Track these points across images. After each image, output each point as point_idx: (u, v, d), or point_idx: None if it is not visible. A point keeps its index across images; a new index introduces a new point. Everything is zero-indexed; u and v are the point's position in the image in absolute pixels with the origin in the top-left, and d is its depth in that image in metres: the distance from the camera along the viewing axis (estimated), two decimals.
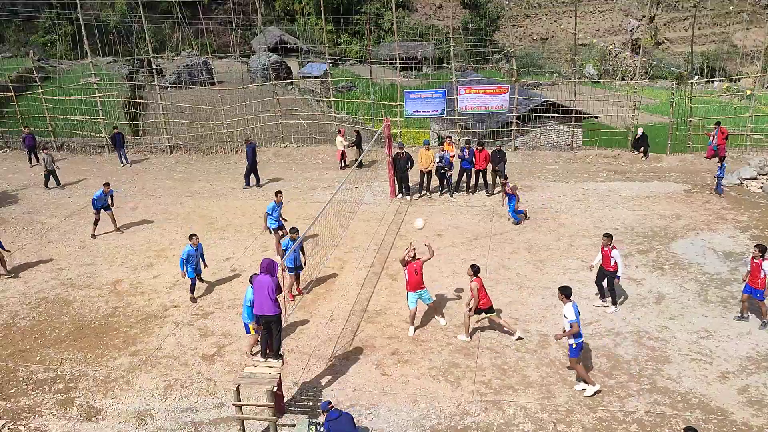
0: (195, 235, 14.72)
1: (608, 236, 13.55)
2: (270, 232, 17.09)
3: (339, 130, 25.08)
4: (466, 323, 12.85)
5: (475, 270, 12.53)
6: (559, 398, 11.13)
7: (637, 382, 11.46)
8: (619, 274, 13.38)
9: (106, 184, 18.37)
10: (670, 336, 12.79)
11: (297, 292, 14.80)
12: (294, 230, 14.33)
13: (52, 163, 22.82)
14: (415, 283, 12.84)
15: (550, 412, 10.82)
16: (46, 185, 22.83)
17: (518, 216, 18.42)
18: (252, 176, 22.44)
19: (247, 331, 12.41)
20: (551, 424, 10.56)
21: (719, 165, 20.17)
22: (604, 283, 13.84)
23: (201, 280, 15.31)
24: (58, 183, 22.96)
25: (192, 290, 14.82)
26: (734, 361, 11.94)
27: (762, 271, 12.58)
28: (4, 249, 16.29)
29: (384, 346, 12.77)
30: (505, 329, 12.93)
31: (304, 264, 14.82)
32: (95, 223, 18.32)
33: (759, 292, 12.74)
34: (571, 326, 10.81)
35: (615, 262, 13.33)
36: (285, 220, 17.16)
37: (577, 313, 10.95)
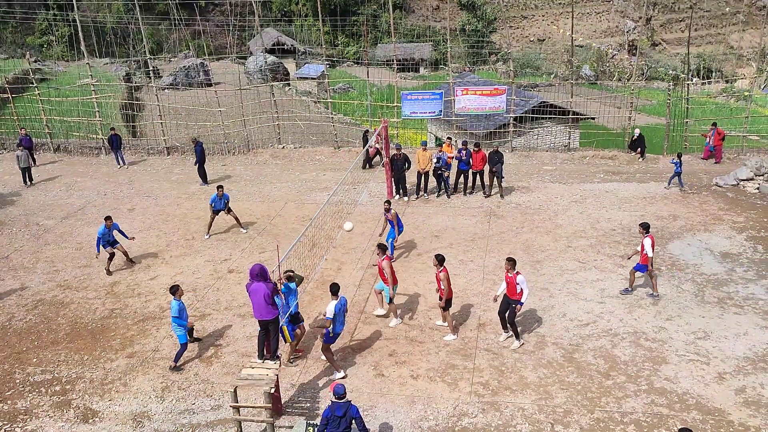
0: (178, 286, 12.53)
1: (511, 261, 12.25)
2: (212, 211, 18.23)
3: (375, 129, 25.12)
4: (449, 321, 12.94)
5: (440, 260, 12.55)
6: (557, 399, 11.14)
7: (634, 383, 11.47)
8: (522, 300, 12.15)
9: (108, 218, 16.22)
10: (667, 337, 12.81)
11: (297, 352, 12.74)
12: (289, 274, 12.21)
13: (27, 160, 23.13)
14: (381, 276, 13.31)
15: (547, 413, 10.82)
16: (30, 181, 23.21)
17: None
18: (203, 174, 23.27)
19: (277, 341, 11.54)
20: (549, 425, 10.56)
21: (677, 160, 20.64)
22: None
23: (194, 338, 13.12)
24: (30, 180, 23.28)
25: (178, 358, 12.40)
26: (731, 361, 11.97)
27: (643, 248, 13.99)
28: None
29: (381, 348, 12.76)
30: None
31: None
32: (110, 259, 16.24)
33: (643, 268, 14.13)
34: (327, 321, 11.47)
35: (521, 289, 12.11)
36: (230, 210, 18.36)
37: (337, 310, 11.39)
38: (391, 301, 13.29)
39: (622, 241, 17.11)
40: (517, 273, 12.16)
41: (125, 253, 16.68)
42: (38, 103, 28.28)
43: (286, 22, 69.70)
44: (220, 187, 18.16)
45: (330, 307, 11.41)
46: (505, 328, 12.81)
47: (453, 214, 19.48)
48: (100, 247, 16.19)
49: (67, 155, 27.40)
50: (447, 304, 12.77)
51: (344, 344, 12.90)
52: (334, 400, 9.25)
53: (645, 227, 14.14)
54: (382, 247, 13.11)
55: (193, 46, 54.34)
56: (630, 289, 14.44)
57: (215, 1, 69.53)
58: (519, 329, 12.68)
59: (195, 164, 23.04)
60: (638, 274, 14.35)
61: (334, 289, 11.60)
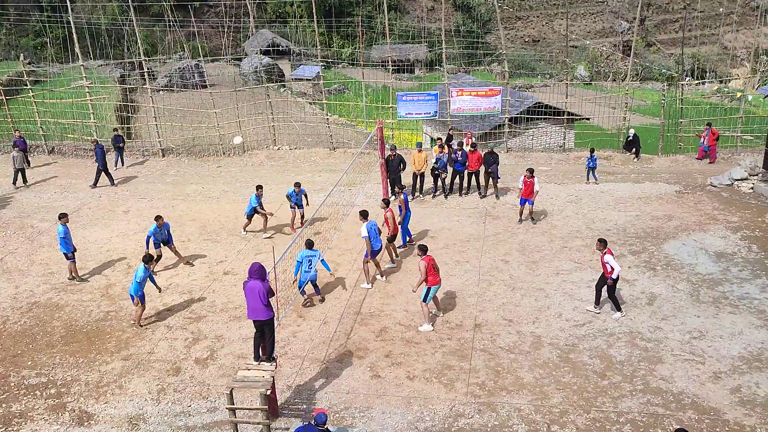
0: (152, 256, 14.56)
1: (601, 242, 13.40)
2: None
3: (465, 133, 24.99)
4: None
5: (364, 214, 14.77)
6: (553, 399, 11.16)
7: (630, 383, 11.50)
8: (612, 276, 13.16)
9: (159, 218, 16.14)
10: (662, 336, 12.84)
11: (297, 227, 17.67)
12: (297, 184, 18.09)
13: (22, 162, 23.27)
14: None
15: (544, 414, 10.84)
16: (24, 183, 23.31)
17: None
18: (105, 176, 23.24)
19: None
20: (545, 425, 10.58)
21: (590, 155, 21.85)
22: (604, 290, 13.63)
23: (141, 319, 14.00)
24: (25, 182, 23.46)
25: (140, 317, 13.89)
26: (726, 361, 12.00)
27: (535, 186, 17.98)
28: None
29: (377, 349, 12.76)
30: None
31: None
32: (157, 260, 16.09)
33: (531, 202, 18.25)
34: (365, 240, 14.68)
35: (610, 267, 13.11)
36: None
37: (369, 229, 14.54)
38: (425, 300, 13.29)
39: (618, 241, 17.14)
40: (605, 253, 13.14)
41: (178, 254, 16.57)
42: (32, 105, 28.19)
43: (281, 23, 69.62)
44: (259, 187, 18.15)
45: (363, 228, 14.53)
46: (596, 303, 13.72)
47: (448, 214, 19.48)
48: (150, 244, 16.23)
49: (62, 157, 27.31)
50: (391, 239, 15.70)
51: (341, 345, 12.90)
52: (313, 424, 9.06)
53: (531, 171, 18.08)
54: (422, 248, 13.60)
55: (187, 48, 54.15)
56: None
57: (210, 3, 69.36)
58: (619, 303, 13.64)
59: (102, 167, 22.91)
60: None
61: (365, 213, 14.68)
